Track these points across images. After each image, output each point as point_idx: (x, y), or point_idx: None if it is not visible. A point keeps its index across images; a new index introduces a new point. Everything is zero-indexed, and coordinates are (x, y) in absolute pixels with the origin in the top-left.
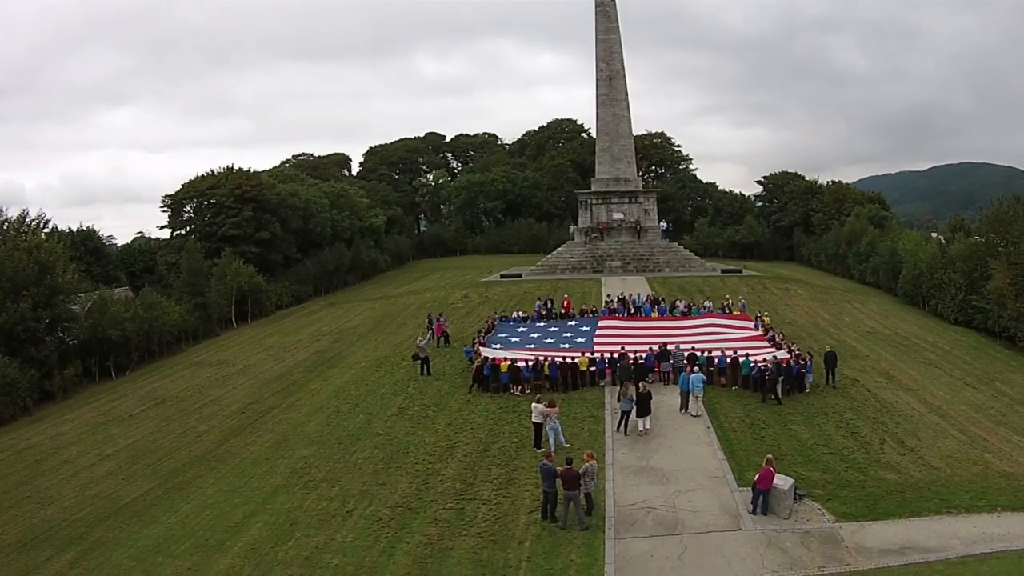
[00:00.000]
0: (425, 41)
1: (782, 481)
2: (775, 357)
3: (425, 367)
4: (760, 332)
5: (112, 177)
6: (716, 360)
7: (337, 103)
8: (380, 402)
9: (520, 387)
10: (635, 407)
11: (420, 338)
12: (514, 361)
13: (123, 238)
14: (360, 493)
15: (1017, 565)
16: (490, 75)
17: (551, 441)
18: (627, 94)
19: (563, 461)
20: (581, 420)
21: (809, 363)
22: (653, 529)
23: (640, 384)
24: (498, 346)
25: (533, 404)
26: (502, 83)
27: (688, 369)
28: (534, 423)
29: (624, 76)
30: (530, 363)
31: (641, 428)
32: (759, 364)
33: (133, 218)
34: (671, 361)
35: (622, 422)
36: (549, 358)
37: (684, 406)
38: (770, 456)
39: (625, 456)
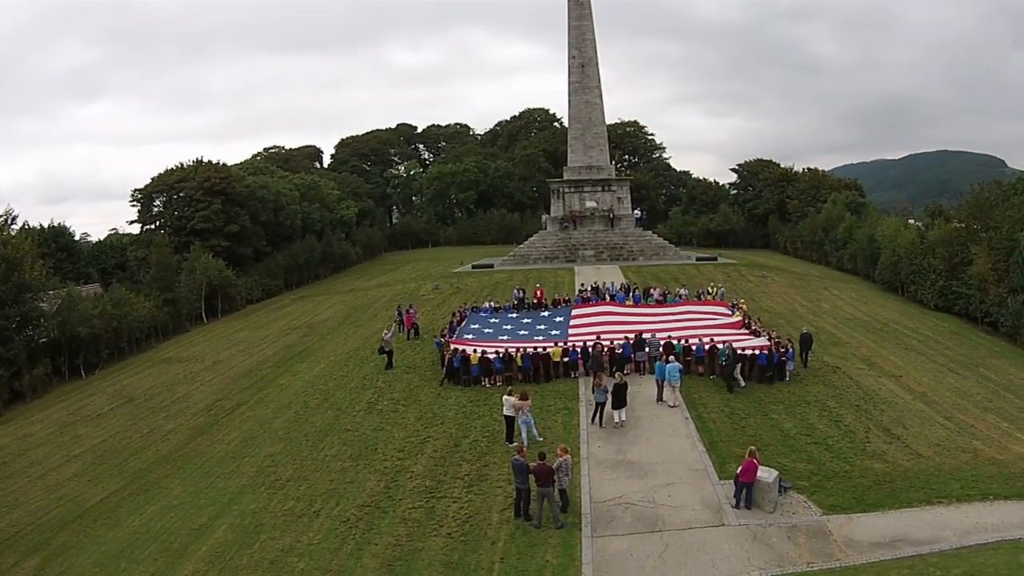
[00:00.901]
0: (398, 31)
1: (766, 473)
2: (730, 344)
3: (390, 360)
4: (738, 318)
5: (87, 172)
6: (693, 348)
7: (310, 95)
8: (349, 397)
9: (491, 379)
10: (610, 398)
11: (385, 331)
12: (484, 352)
13: (98, 235)
14: (327, 492)
15: (1013, 555)
16: (463, 65)
17: (523, 435)
18: (600, 81)
19: (536, 456)
20: (555, 412)
21: (791, 351)
22: (632, 526)
23: (616, 374)
24: (470, 336)
25: (504, 397)
26: (475, 73)
27: (664, 358)
28: (506, 416)
29: (597, 63)
30: (501, 354)
31: (617, 420)
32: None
33: (108, 214)
34: (646, 350)
35: (597, 414)
36: (521, 349)
37: (660, 396)
38: (753, 448)
39: (601, 449)
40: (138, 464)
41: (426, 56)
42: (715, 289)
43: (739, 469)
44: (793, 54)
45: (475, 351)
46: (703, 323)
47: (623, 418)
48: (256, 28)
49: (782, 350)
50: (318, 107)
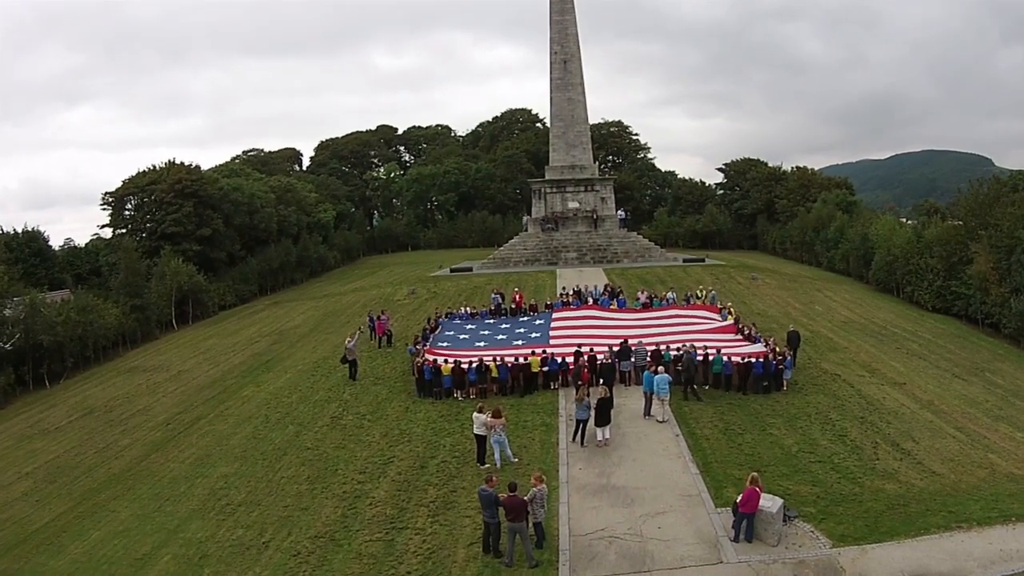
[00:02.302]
0: (380, 34)
1: (769, 502)
2: (692, 345)
3: (353, 371)
4: (729, 323)
5: (71, 178)
6: (684, 357)
7: (292, 98)
8: (312, 411)
9: (464, 391)
10: (593, 414)
11: (348, 339)
12: (457, 363)
13: (83, 240)
14: (280, 520)
15: None
16: (445, 68)
17: (496, 456)
18: (582, 78)
19: (507, 484)
20: (532, 429)
21: (789, 359)
22: (616, 564)
23: (599, 387)
24: (446, 344)
25: (474, 414)
26: (457, 76)
27: (652, 368)
28: (476, 435)
29: (579, 60)
30: (475, 364)
31: (600, 438)
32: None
33: (93, 220)
34: (632, 359)
35: (578, 432)
36: (497, 358)
37: (648, 410)
38: (755, 474)
39: (582, 472)
40: (89, 483)
41: (408, 59)
42: (704, 292)
43: (738, 498)
44: (777, 54)
45: (447, 361)
46: (694, 328)
47: (607, 436)
48: (235, 33)
49: (779, 357)
50: (300, 111)
